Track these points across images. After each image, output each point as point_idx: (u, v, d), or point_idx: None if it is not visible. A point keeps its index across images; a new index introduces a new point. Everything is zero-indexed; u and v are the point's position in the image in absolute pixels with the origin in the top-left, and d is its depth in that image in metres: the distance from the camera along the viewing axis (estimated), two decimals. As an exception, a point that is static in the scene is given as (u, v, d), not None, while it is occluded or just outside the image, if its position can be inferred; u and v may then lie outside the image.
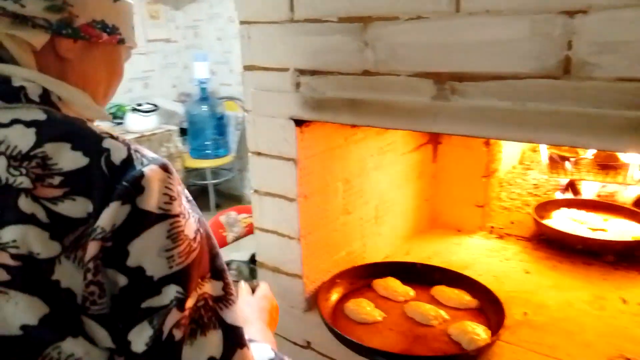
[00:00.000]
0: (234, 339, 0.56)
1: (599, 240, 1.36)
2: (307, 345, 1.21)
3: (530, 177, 1.86)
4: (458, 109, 0.83)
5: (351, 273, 1.27)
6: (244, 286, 0.97)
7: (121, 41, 0.66)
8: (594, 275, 1.29)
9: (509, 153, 1.79)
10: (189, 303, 0.53)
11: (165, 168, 0.53)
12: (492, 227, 1.58)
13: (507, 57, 0.77)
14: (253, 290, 0.98)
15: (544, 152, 1.74)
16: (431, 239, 1.54)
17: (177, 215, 0.53)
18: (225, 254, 2.29)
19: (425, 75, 0.85)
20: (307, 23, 0.97)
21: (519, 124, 0.78)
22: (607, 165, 1.60)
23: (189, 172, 4.13)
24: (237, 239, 2.56)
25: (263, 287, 0.97)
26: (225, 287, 0.57)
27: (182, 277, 0.52)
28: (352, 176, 1.25)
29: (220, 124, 4.05)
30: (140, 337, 0.51)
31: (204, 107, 3.98)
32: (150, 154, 0.55)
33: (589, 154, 1.65)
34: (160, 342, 0.51)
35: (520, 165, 1.95)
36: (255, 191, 1.18)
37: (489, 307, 1.13)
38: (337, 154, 1.19)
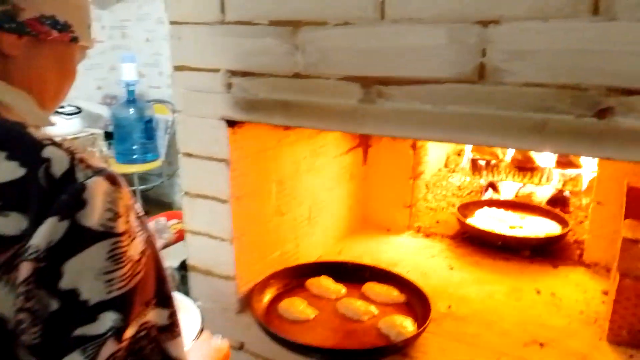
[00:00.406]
0: None
1: (516, 237, 1.46)
2: (241, 347, 1.20)
3: (455, 179, 1.96)
4: (384, 111, 0.87)
5: (284, 273, 1.28)
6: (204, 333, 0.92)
7: (74, 39, 0.61)
8: (512, 269, 1.38)
9: (435, 157, 1.87)
10: (128, 333, 0.48)
11: (112, 180, 0.49)
12: (419, 226, 1.65)
13: (428, 63, 0.81)
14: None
15: (466, 156, 1.84)
16: (362, 238, 1.58)
17: (121, 234, 0.48)
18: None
19: (353, 79, 0.89)
20: (238, 25, 0.98)
21: (440, 126, 0.83)
22: (524, 168, 1.72)
23: (116, 177, 3.97)
24: (166, 245, 2.50)
25: (222, 342, 0.91)
26: (172, 316, 0.53)
27: (122, 304, 0.47)
28: (285, 178, 1.27)
29: (148, 128, 3.93)
30: None
31: (131, 110, 3.85)
32: (97, 163, 0.50)
33: (507, 157, 1.76)
34: None
35: (446, 169, 2.04)
36: (186, 193, 1.17)
37: (416, 301, 1.18)
38: (270, 156, 1.20)
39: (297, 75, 0.94)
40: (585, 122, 0.72)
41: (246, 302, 1.18)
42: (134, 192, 4.00)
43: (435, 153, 1.84)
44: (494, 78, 0.77)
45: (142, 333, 0.49)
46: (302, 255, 1.38)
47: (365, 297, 1.22)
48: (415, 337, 1.04)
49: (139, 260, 0.49)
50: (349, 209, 1.60)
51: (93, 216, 0.46)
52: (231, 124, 1.06)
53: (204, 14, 1.00)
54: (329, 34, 0.88)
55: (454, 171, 2.01)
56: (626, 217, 1.12)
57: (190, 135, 1.12)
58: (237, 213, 1.13)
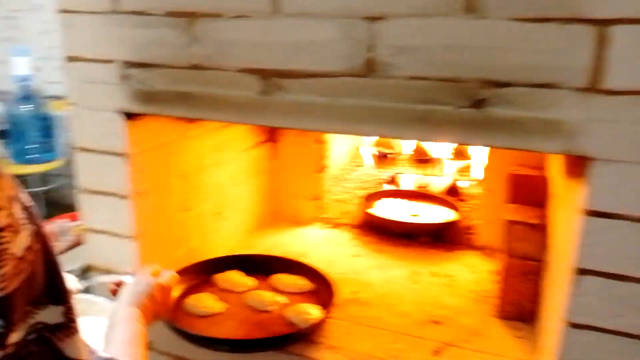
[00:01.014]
0: None
1: (414, 224, 1.54)
2: (150, 346, 1.17)
3: (359, 173, 2.03)
4: (283, 103, 0.89)
5: (191, 270, 1.26)
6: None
7: None
8: (411, 254, 1.47)
9: (340, 151, 1.94)
10: (14, 337, 0.44)
11: None
12: (327, 218, 1.69)
13: (322, 57, 0.84)
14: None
15: (369, 150, 1.92)
16: (271, 232, 1.60)
17: (2, 230, 0.43)
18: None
19: (251, 71, 0.90)
20: (132, 15, 0.95)
21: (335, 118, 0.86)
22: (422, 160, 1.82)
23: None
24: (69, 248, 2.37)
25: (136, 280, 0.94)
26: (67, 313, 0.49)
27: (3, 307, 0.43)
28: (189, 172, 1.25)
29: (46, 125, 3.67)
30: None
31: (26, 107, 3.58)
32: None
33: (407, 150, 1.85)
34: None
35: (350, 163, 2.11)
36: (83, 190, 1.13)
37: (322, 289, 1.21)
38: (173, 150, 1.18)
39: (195, 67, 0.93)
40: (464, 112, 0.79)
41: (151, 301, 1.15)
42: (34, 194, 3.76)
43: (340, 148, 1.90)
44: (382, 72, 0.82)
45: (32, 336, 0.45)
46: (209, 251, 1.37)
47: (274, 288, 1.24)
48: (320, 322, 1.08)
49: (23, 257, 0.45)
50: (257, 204, 1.61)
51: None
52: (129, 116, 1.03)
53: (96, 3, 0.97)
54: (225, 26, 0.89)
55: (358, 165, 2.08)
56: (509, 202, 1.23)
57: (86, 128, 1.07)
58: (139, 209, 1.10)
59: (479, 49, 0.76)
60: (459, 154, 1.75)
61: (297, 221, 1.67)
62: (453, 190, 1.77)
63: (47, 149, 3.72)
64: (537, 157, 1.35)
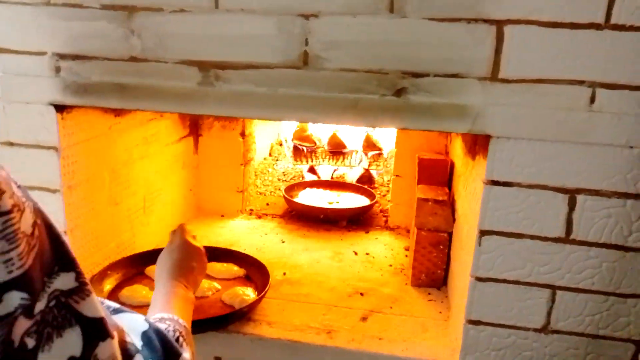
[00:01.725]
0: (95, 332, 0.52)
1: (334, 209, 1.66)
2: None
3: (279, 166, 2.12)
4: (222, 93, 0.95)
5: (122, 263, 1.27)
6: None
7: None
8: (333, 237, 1.58)
9: (260, 147, 2.01)
10: (39, 307, 0.47)
11: None
12: (252, 209, 1.76)
13: (260, 50, 0.92)
14: None
15: (289, 144, 2.01)
16: (198, 225, 1.63)
17: (10, 211, 0.45)
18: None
19: (191, 63, 0.95)
20: (65, 7, 0.96)
21: (273, 106, 0.94)
22: (337, 152, 1.95)
23: None
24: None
25: (178, 237, 0.96)
26: (79, 277, 0.51)
27: (25, 281, 0.46)
28: (118, 166, 1.26)
29: None
30: None
31: None
32: None
33: (323, 143, 1.97)
34: (11, 352, 0.44)
35: (270, 157, 2.19)
36: (9, 185, 1.10)
37: (254, 273, 1.28)
38: (101, 142, 1.19)
39: (133, 59, 0.96)
40: (387, 100, 0.90)
41: (84, 294, 1.15)
42: None
43: (260, 143, 1.97)
44: (316, 64, 0.91)
45: (52, 303, 0.48)
46: (138, 245, 1.38)
47: (207, 277, 1.28)
48: (257, 302, 1.14)
49: (32, 233, 0.47)
50: (183, 198, 1.64)
51: None
52: (60, 109, 1.03)
53: (26, -6, 0.96)
54: (166, 20, 0.93)
55: (278, 159, 2.17)
56: (419, 183, 1.39)
57: (12, 123, 1.05)
58: (70, 203, 1.10)
59: (399, 44, 0.88)
60: (371, 145, 1.90)
61: (223, 214, 1.72)
62: (367, 179, 1.91)
63: None
64: (440, 144, 1.53)
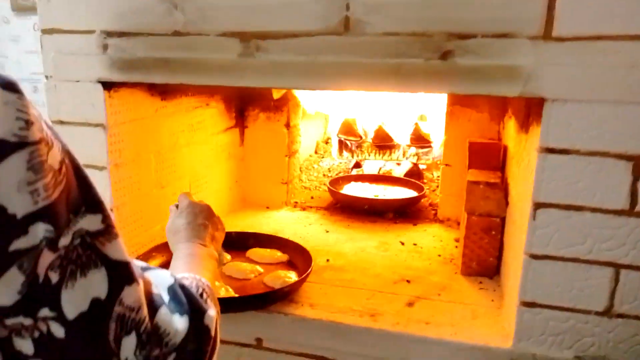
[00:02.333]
0: (120, 275, 0.51)
1: (380, 199, 1.62)
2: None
3: (325, 163, 2.10)
4: (263, 64, 0.94)
5: (165, 247, 1.28)
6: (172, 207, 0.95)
7: None
8: (379, 228, 1.53)
9: (306, 144, 2.00)
10: (63, 242, 0.47)
11: (11, 87, 0.45)
12: (296, 202, 1.74)
13: (300, 17, 0.91)
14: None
15: (334, 138, 1.99)
16: (243, 216, 1.63)
17: (38, 142, 0.45)
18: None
19: (232, 34, 0.95)
20: (113, -15, 0.99)
21: (313, 75, 0.92)
22: (383, 146, 1.91)
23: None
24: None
25: (182, 202, 0.95)
26: (105, 220, 0.52)
27: (50, 214, 0.46)
28: (164, 150, 1.28)
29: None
30: (9, 287, 0.43)
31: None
32: None
33: (369, 137, 1.94)
34: (36, 287, 0.45)
35: (316, 155, 2.18)
36: (60, 163, 1.13)
37: (298, 258, 1.26)
38: (148, 125, 1.20)
39: (176, 33, 0.98)
40: (432, 63, 0.86)
41: (129, 274, 1.16)
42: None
43: (306, 140, 1.96)
44: (357, 29, 0.89)
45: (77, 241, 0.48)
46: (183, 230, 1.39)
47: (250, 261, 1.27)
48: (299, 282, 1.12)
49: (60, 169, 0.48)
50: (229, 189, 1.64)
51: (2, 127, 0.43)
52: (107, 86, 1.05)
53: (76, -27, 1.00)
54: (207, -8, 0.94)
55: (323, 157, 2.15)
56: (469, 169, 1.32)
57: (62, 101, 1.08)
58: (116, 181, 1.12)
59: (444, 4, 0.84)
60: (420, 138, 1.85)
61: (267, 206, 1.71)
62: (414, 174, 1.86)
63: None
64: (492, 130, 1.46)
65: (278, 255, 1.28)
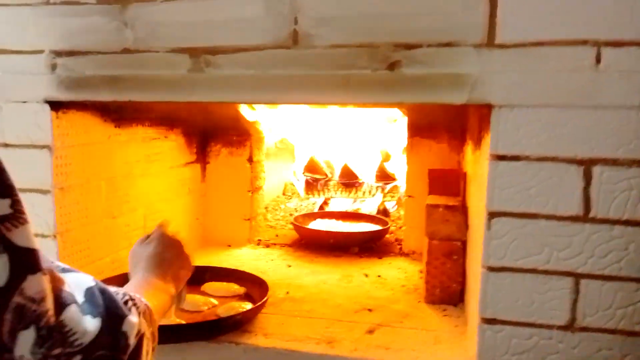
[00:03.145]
0: (24, 263, 0.48)
1: (344, 233, 1.59)
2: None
3: (291, 204, 2.07)
4: (212, 79, 0.93)
5: (117, 280, 1.20)
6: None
7: None
8: (343, 262, 1.49)
9: (273, 185, 1.98)
10: None
11: None
12: (259, 240, 1.69)
13: (249, 32, 0.91)
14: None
15: (299, 177, 1.98)
16: (203, 253, 1.57)
17: None
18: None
19: (182, 50, 0.94)
20: (63, 5, 0.98)
21: (263, 88, 0.92)
22: (349, 184, 1.90)
23: None
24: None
25: (155, 231, 0.87)
26: (14, 205, 0.49)
27: None
28: (116, 178, 1.24)
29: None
30: None
31: None
32: None
33: (335, 176, 1.93)
34: None
35: (283, 196, 2.15)
36: (2, 189, 1.08)
37: (255, 290, 1.20)
38: (99, 150, 1.17)
39: (126, 51, 0.97)
40: (380, 74, 0.87)
41: (72, 307, 1.09)
42: None
43: (273, 182, 1.94)
44: (306, 42, 0.89)
45: None
46: (137, 264, 1.32)
47: (205, 294, 1.21)
48: (253, 311, 1.06)
49: None
50: (188, 225, 1.59)
51: None
52: (55, 107, 1.03)
53: (26, -6, 0.99)
54: (158, 9, 0.94)
55: (290, 198, 2.12)
56: (430, 194, 1.31)
57: (8, 123, 1.05)
58: (62, 205, 1.07)
59: (390, 15, 0.85)
60: (385, 176, 1.85)
61: (229, 244, 1.66)
62: (380, 212, 1.84)
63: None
64: (452, 159, 1.47)
65: (235, 288, 1.23)
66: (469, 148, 1.27)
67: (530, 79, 0.81)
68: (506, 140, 0.83)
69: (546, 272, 0.84)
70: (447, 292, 1.18)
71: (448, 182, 1.31)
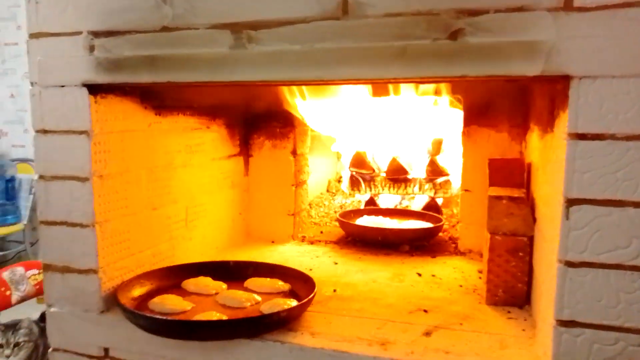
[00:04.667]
0: None
1: (395, 230, 1.48)
2: (105, 355, 1.05)
3: (336, 201, 1.99)
4: (255, 55, 0.87)
5: (158, 273, 1.16)
6: None
7: None
8: (394, 261, 1.39)
9: (316, 181, 1.90)
10: None
11: None
12: (304, 236, 1.62)
13: (294, 3, 0.84)
14: None
15: (346, 173, 1.89)
16: (245, 249, 1.51)
17: None
18: (12, 315, 1.94)
19: (223, 26, 0.88)
20: (102, -17, 0.94)
21: (309, 64, 0.84)
22: (398, 180, 1.80)
23: (-34, 245, 3.50)
24: (24, 299, 2.19)
25: None
26: None
27: None
28: (157, 168, 1.19)
29: (9, 188, 3.57)
30: None
31: (-10, 169, 3.49)
32: None
33: (382, 171, 1.83)
34: None
35: (328, 193, 2.07)
36: (41, 177, 1.05)
37: (301, 287, 1.12)
38: (139, 138, 1.13)
39: (165, 29, 0.91)
40: (441, 44, 0.77)
41: (111, 301, 1.04)
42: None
43: (317, 178, 1.86)
44: (357, 12, 0.81)
45: None
46: (177, 259, 1.27)
47: (248, 290, 1.14)
48: (298, 308, 0.98)
49: None
50: (231, 220, 1.54)
51: None
52: (93, 91, 0.99)
53: (64, -28, 0.96)
54: (197, -17, 0.88)
55: (334, 195, 2.04)
56: (490, 186, 1.20)
57: (46, 108, 1.01)
58: (100, 194, 1.02)
59: (448, -21, 0.76)
60: (436, 171, 1.74)
61: (273, 240, 1.60)
62: (433, 207, 1.73)
63: (8, 212, 3.59)
64: (513, 149, 1.35)
65: (279, 284, 1.15)
66: (534, 135, 1.15)
67: (615, 46, 0.70)
68: (587, 116, 0.72)
69: (634, 268, 0.73)
70: (512, 292, 1.07)
71: (511, 173, 1.19)
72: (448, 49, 0.77)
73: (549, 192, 0.89)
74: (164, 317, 0.96)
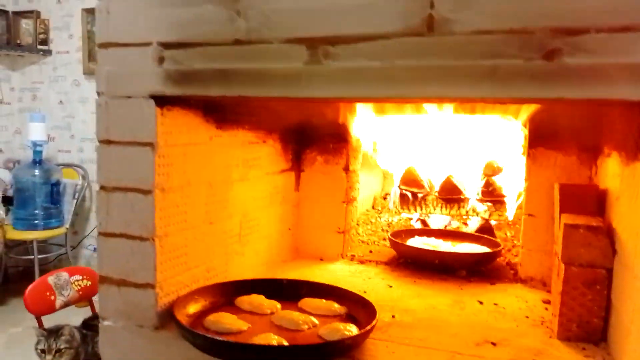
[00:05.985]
0: None
1: (453, 253, 1.43)
2: (159, 372, 1.02)
3: (383, 218, 1.94)
4: (331, 71, 0.83)
5: (212, 289, 1.14)
6: None
7: None
8: (451, 286, 1.33)
9: (363, 199, 1.86)
10: None
11: None
12: (353, 255, 1.58)
13: (375, 18, 0.80)
14: None
15: (395, 190, 1.85)
16: (294, 266, 1.48)
17: None
18: (55, 320, 1.95)
19: (298, 40, 0.85)
20: (175, -5, 0.93)
21: (388, 82, 0.80)
22: (450, 199, 1.74)
23: (10, 246, 3.56)
24: (67, 304, 2.20)
25: None
26: None
27: None
28: (216, 182, 1.17)
29: (54, 192, 3.64)
30: None
31: (36, 172, 3.56)
32: None
33: (435, 189, 1.78)
34: None
35: (373, 210, 2.03)
36: (102, 188, 1.03)
37: (358, 311, 1.08)
38: (201, 152, 1.11)
39: (237, 42, 0.89)
40: (535, 64, 0.73)
41: (166, 317, 1.02)
42: (31, 263, 3.62)
43: (363, 195, 1.82)
44: (443, 29, 0.77)
45: None
46: (231, 274, 1.25)
47: (303, 312, 1.10)
48: (362, 336, 0.94)
49: None
50: (281, 236, 1.51)
51: None
52: (160, 103, 0.97)
53: (138, -18, 0.95)
54: (274, -4, 0.86)
55: (381, 212, 1.99)
56: (561, 213, 1.13)
57: (112, 119, 1.00)
58: (162, 207, 1.01)
59: (548, -4, 0.71)
60: (491, 192, 1.67)
61: (321, 257, 1.56)
62: (485, 231, 1.66)
63: (52, 216, 3.65)
64: (582, 174, 1.28)
65: (335, 307, 1.11)
66: (610, 160, 1.09)
67: None
68: (701, 145, 0.66)
69: None
70: (587, 327, 1.00)
71: (584, 200, 1.13)
72: (543, 70, 0.72)
73: (635, 223, 0.82)
74: (223, 339, 0.93)
